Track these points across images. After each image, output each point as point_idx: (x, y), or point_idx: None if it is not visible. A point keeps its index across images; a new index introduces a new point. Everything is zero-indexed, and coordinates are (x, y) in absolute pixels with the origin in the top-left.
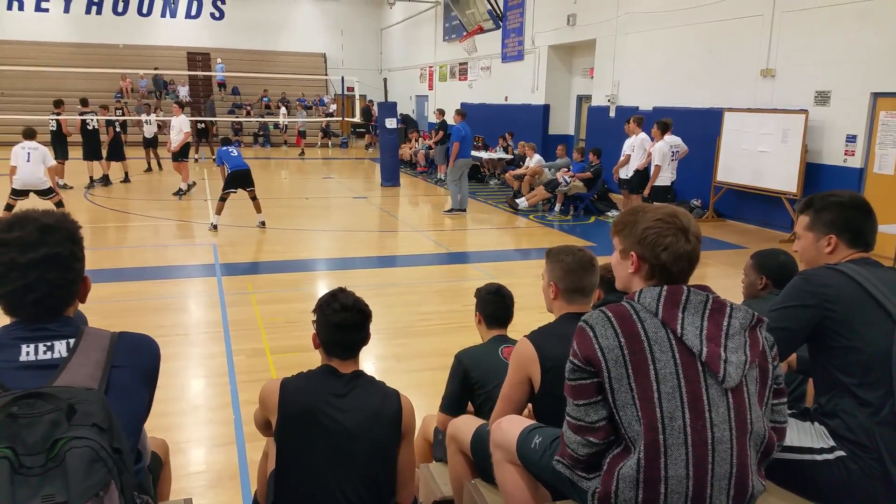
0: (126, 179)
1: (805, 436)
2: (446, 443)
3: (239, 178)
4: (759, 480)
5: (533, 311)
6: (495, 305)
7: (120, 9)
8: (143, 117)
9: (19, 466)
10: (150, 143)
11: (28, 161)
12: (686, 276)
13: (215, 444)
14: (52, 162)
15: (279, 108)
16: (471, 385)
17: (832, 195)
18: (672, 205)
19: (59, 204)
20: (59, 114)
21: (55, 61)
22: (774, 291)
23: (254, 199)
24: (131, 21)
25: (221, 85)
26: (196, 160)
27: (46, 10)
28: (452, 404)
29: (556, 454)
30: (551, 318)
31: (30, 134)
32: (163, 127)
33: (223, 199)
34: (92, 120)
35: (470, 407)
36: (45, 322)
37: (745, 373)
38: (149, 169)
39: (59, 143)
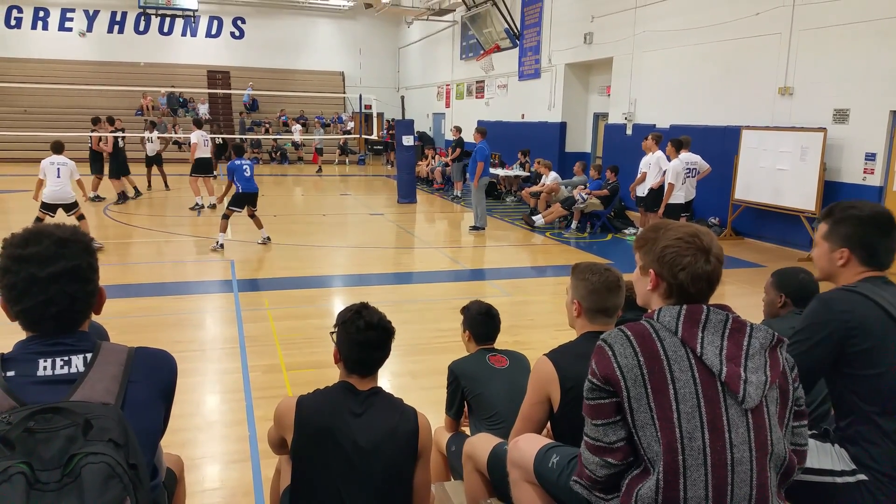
0: (122, 199)
1: (825, 457)
2: (462, 461)
3: (246, 199)
4: (779, 503)
5: (549, 328)
6: (486, 326)
7: (141, 28)
8: (146, 134)
9: (35, 482)
10: (154, 161)
11: (58, 177)
12: (705, 297)
13: (230, 461)
14: (78, 175)
15: (294, 124)
16: (462, 389)
17: (853, 207)
18: (696, 224)
19: (81, 217)
20: (94, 131)
21: (78, 79)
22: (795, 310)
23: (253, 216)
24: (153, 40)
25: (248, 106)
26: (215, 177)
27: (70, 30)
28: (450, 406)
29: (574, 474)
30: (566, 335)
31: (58, 148)
32: (182, 144)
33: (226, 217)
34: (121, 138)
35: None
36: (62, 336)
37: (766, 393)
38: (150, 187)
39: (94, 159)
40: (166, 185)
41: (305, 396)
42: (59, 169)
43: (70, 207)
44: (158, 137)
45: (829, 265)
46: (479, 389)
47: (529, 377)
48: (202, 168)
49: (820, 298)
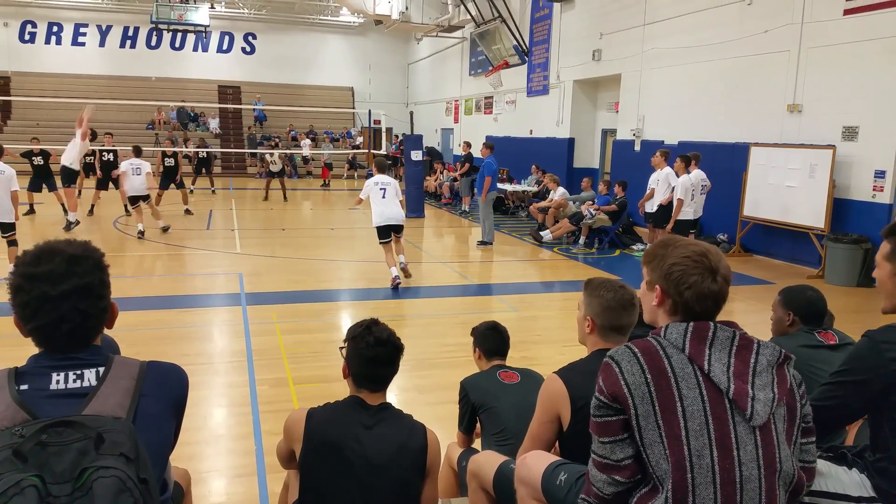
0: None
1: (842, 482)
2: (467, 479)
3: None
4: None
5: (556, 344)
6: (493, 341)
7: (153, 43)
8: (266, 153)
9: (47, 494)
10: (277, 175)
11: None
12: (711, 315)
13: (236, 475)
14: (16, 186)
15: (304, 139)
16: (472, 404)
17: None
18: (705, 242)
19: (13, 243)
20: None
21: (90, 93)
22: (803, 328)
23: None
24: (164, 55)
25: (258, 119)
26: (191, 191)
27: (83, 44)
28: (461, 421)
29: (582, 492)
30: (574, 351)
31: None
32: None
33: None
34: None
35: (477, 429)
36: (75, 351)
37: (773, 411)
38: (266, 198)
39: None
40: (285, 197)
41: (316, 409)
42: None
43: (6, 228)
44: (280, 156)
45: (893, 289)
46: (488, 405)
47: (539, 395)
48: (74, 178)
49: (872, 339)
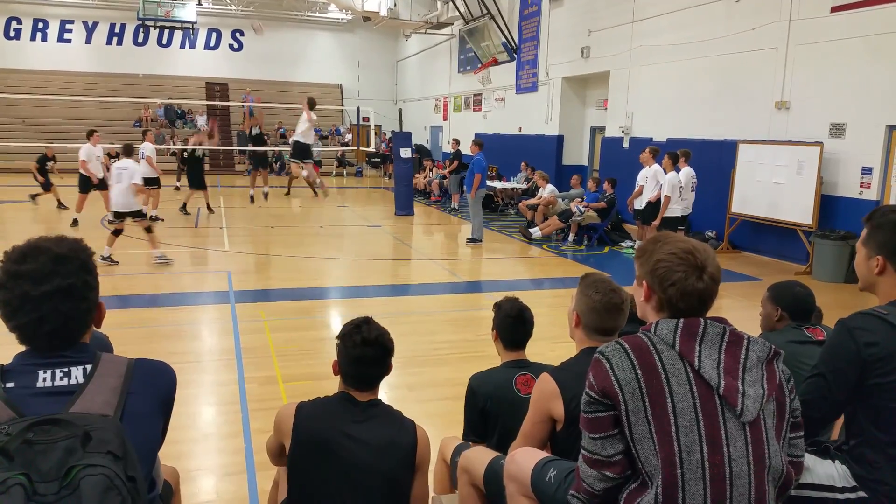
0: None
1: (825, 473)
2: (457, 475)
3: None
4: None
5: (546, 341)
6: (515, 332)
7: (140, 39)
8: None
9: (33, 493)
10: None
11: (119, 183)
12: (697, 313)
13: (226, 473)
14: (138, 180)
15: (292, 136)
16: (481, 408)
17: (893, 211)
18: (695, 240)
19: (148, 229)
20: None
21: (76, 90)
22: (791, 324)
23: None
24: (151, 51)
25: (249, 114)
26: (177, 188)
27: (69, 41)
28: (472, 431)
29: (572, 488)
30: (564, 347)
31: (127, 151)
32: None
33: None
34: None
35: None
36: (61, 349)
37: (763, 406)
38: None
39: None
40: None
41: (305, 403)
42: (120, 174)
43: (135, 215)
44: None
45: (866, 273)
46: (502, 419)
47: (532, 395)
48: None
49: (845, 326)
